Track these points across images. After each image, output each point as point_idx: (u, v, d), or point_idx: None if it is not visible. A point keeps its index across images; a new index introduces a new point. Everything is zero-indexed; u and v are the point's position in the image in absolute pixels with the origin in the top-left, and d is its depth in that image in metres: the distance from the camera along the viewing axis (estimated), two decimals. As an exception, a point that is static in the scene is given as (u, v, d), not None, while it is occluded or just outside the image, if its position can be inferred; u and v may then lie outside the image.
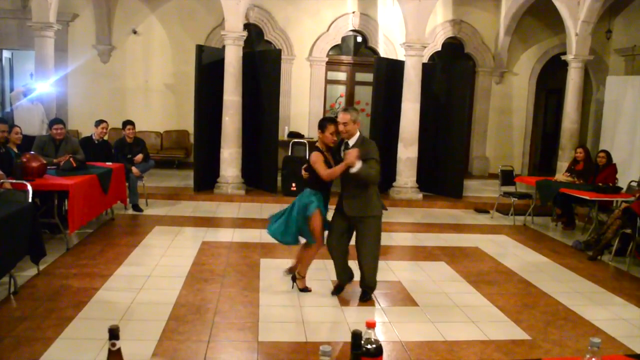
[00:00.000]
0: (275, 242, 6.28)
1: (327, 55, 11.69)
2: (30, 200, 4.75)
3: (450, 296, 4.80)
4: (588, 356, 1.70)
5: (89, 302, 4.21)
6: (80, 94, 11.23)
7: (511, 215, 8.22)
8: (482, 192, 10.05)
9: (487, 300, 4.72)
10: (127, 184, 7.38)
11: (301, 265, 4.67)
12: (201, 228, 6.88)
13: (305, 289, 4.67)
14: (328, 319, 4.21)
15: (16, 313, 3.96)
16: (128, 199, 7.50)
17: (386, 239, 6.80)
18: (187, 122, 10.92)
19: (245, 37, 8.73)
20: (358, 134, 4.29)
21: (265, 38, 11.45)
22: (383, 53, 11.51)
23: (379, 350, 1.63)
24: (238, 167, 8.89)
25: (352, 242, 4.54)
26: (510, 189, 8.45)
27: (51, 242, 5.63)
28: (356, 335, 1.55)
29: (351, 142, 4.27)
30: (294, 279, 4.71)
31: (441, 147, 9.64)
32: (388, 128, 9.33)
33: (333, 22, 11.53)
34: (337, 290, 4.65)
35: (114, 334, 1.49)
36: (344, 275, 4.63)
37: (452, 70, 9.80)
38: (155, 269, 5.15)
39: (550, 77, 12.89)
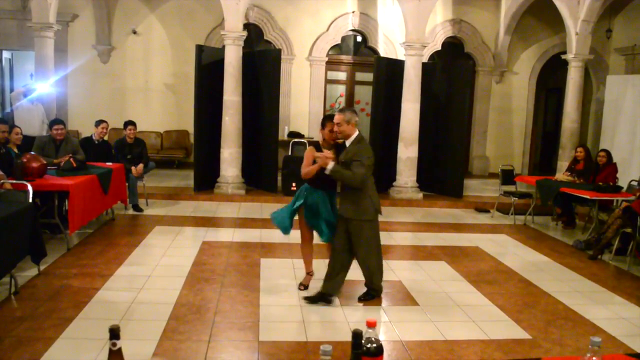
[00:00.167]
0: (276, 242, 6.33)
1: (327, 55, 11.69)
2: (30, 200, 4.75)
3: (451, 295, 4.80)
4: (588, 355, 1.70)
5: (90, 302, 4.21)
6: (80, 94, 11.23)
7: (511, 214, 8.22)
8: (482, 192, 10.05)
9: (487, 300, 4.73)
10: (127, 184, 7.38)
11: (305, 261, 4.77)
12: (201, 228, 6.88)
13: (306, 287, 4.71)
14: (328, 319, 4.21)
15: (17, 313, 3.96)
16: (128, 199, 7.50)
17: (386, 238, 6.83)
18: (187, 122, 10.92)
19: (245, 37, 8.73)
20: (356, 134, 4.23)
21: (265, 38, 11.45)
22: (383, 53, 11.51)
23: (379, 350, 1.63)
24: (238, 167, 8.89)
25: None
26: (511, 188, 8.45)
27: (51, 243, 5.63)
28: (357, 335, 1.55)
29: (348, 142, 4.26)
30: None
31: (441, 147, 9.64)
32: (388, 128, 9.33)
33: (333, 21, 11.53)
34: (313, 299, 4.39)
35: (114, 333, 1.49)
36: (328, 282, 4.41)
37: (452, 70, 9.79)
38: (156, 268, 5.15)
39: (551, 76, 12.89)
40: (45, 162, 5.72)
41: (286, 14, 11.44)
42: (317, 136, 11.19)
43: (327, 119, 4.44)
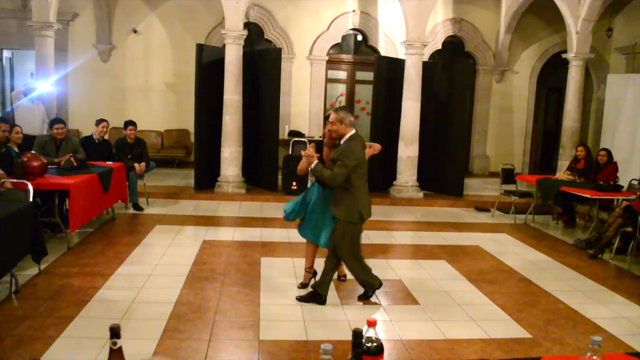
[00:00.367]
0: (276, 241, 6.34)
1: (328, 54, 11.69)
2: (31, 199, 4.76)
3: (451, 294, 4.80)
4: (589, 354, 1.70)
5: (90, 301, 4.21)
6: (81, 94, 11.23)
7: (512, 213, 8.22)
8: (482, 191, 10.05)
9: (487, 299, 4.73)
10: (127, 183, 7.38)
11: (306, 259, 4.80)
12: (202, 227, 6.88)
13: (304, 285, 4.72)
14: (329, 318, 4.21)
15: (17, 312, 3.97)
16: (128, 198, 7.50)
17: (387, 237, 6.84)
18: (187, 121, 10.92)
19: (245, 36, 8.72)
20: (349, 134, 4.19)
21: (266, 37, 11.45)
22: (383, 52, 11.51)
23: (379, 349, 1.63)
24: (238, 166, 8.89)
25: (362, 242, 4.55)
26: (511, 187, 8.45)
27: (52, 242, 5.63)
28: (357, 334, 1.55)
29: (342, 142, 4.26)
30: (314, 275, 4.77)
31: (442, 146, 9.63)
32: (388, 127, 9.33)
33: (333, 20, 11.52)
34: (304, 298, 4.45)
35: (115, 332, 1.49)
36: (319, 282, 4.48)
37: (453, 69, 9.79)
38: (156, 268, 5.15)
39: (551, 75, 12.88)
40: (45, 161, 5.72)
41: (286, 13, 11.43)
42: (317, 135, 11.26)
43: (327, 118, 4.47)
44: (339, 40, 11.72)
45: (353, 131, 4.23)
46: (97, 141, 7.41)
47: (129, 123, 7.70)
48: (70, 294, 4.34)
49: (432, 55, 11.89)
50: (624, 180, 7.59)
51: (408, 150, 9.10)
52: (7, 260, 4.08)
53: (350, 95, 12.03)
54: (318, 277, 4.58)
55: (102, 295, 4.35)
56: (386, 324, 4.09)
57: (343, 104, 11.90)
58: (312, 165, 4.19)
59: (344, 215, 4.23)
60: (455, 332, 3.97)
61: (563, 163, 9.55)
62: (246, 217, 7.62)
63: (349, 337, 1.57)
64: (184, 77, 10.86)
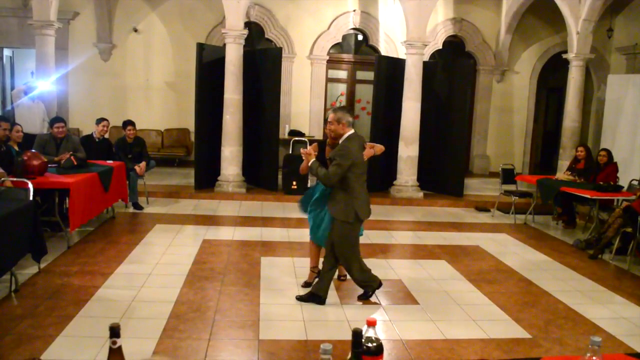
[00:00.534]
0: (276, 240, 6.34)
1: (328, 53, 11.68)
2: (31, 198, 4.76)
3: (451, 295, 4.80)
4: (588, 355, 1.70)
5: (90, 300, 4.21)
6: (81, 93, 11.23)
7: (512, 213, 8.22)
8: (482, 191, 10.04)
9: (487, 299, 4.73)
10: (127, 182, 7.38)
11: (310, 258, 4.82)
12: (202, 226, 6.88)
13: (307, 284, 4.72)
14: (328, 317, 4.21)
15: (17, 311, 3.97)
16: (128, 197, 7.50)
17: (387, 237, 6.84)
18: (187, 120, 10.92)
19: (246, 36, 8.72)
20: (347, 134, 4.18)
21: (266, 36, 11.45)
22: (384, 51, 11.51)
23: (379, 349, 1.63)
24: (239, 166, 8.89)
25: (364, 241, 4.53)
26: (511, 187, 8.45)
27: (52, 240, 5.63)
28: (357, 334, 1.55)
29: (340, 141, 4.25)
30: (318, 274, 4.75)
31: (442, 146, 9.63)
32: (389, 126, 9.32)
33: (334, 20, 11.52)
34: (304, 298, 4.47)
35: (114, 331, 1.49)
36: (318, 282, 4.50)
37: (453, 69, 9.79)
38: (156, 267, 5.15)
39: (551, 75, 12.88)
40: (45, 160, 5.72)
41: (287, 13, 11.43)
42: (318, 135, 11.26)
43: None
44: (340, 40, 11.72)
45: (351, 131, 4.22)
46: (97, 140, 7.40)
47: (128, 123, 7.70)
48: (70, 293, 4.34)
49: (433, 55, 11.89)
50: (624, 181, 7.59)
51: (408, 150, 9.10)
52: (7, 258, 4.08)
53: (351, 95, 12.02)
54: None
55: (102, 294, 4.35)
56: (386, 324, 4.09)
57: (343, 103, 11.89)
58: (310, 163, 4.22)
59: (341, 215, 4.22)
60: (455, 332, 3.97)
61: (563, 163, 9.55)
62: (246, 216, 7.62)
63: (348, 336, 1.57)
64: (185, 77, 10.86)
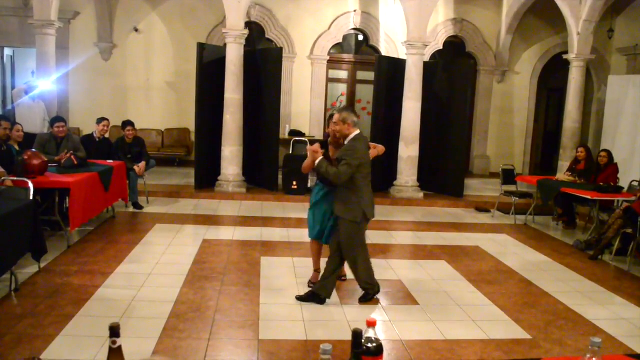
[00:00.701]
0: (276, 240, 6.34)
1: (329, 53, 11.68)
2: (31, 197, 4.76)
3: (451, 295, 4.80)
4: (588, 356, 1.70)
5: (90, 299, 4.21)
6: (82, 92, 11.23)
7: (512, 214, 8.22)
8: (483, 191, 10.04)
9: (487, 300, 4.73)
10: (127, 182, 7.38)
11: (313, 259, 4.78)
12: (202, 226, 6.88)
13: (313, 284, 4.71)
14: (328, 318, 4.21)
15: (17, 310, 3.97)
16: (129, 197, 7.50)
17: (387, 237, 6.84)
18: (188, 120, 10.92)
19: (246, 36, 8.72)
20: (354, 134, 4.20)
21: (267, 36, 11.45)
22: (384, 51, 11.51)
23: (379, 349, 1.63)
24: (239, 165, 8.89)
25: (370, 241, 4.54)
26: (512, 188, 8.45)
27: (52, 240, 5.63)
28: (357, 334, 1.55)
29: (346, 142, 4.26)
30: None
31: (442, 146, 9.63)
32: (389, 127, 9.32)
33: (334, 20, 11.52)
34: (304, 298, 4.48)
35: (114, 331, 1.49)
36: (321, 283, 4.47)
37: (454, 69, 9.79)
38: (156, 266, 5.15)
39: (552, 76, 12.87)
40: (46, 159, 5.72)
41: (288, 13, 11.43)
42: (318, 135, 11.26)
43: (331, 117, 4.47)
44: (340, 40, 11.72)
45: (357, 131, 4.25)
46: (97, 140, 7.40)
47: (127, 123, 7.70)
48: (70, 293, 4.34)
49: (433, 56, 11.88)
50: (624, 182, 7.59)
51: (408, 150, 9.10)
52: (7, 258, 4.08)
53: (351, 95, 12.02)
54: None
55: (102, 294, 4.36)
56: (386, 324, 4.09)
57: (344, 103, 11.89)
58: (317, 162, 4.18)
59: (348, 215, 4.23)
60: (455, 333, 3.97)
61: (563, 164, 9.55)
62: (246, 216, 7.62)
63: (348, 337, 1.57)
64: (185, 76, 10.86)
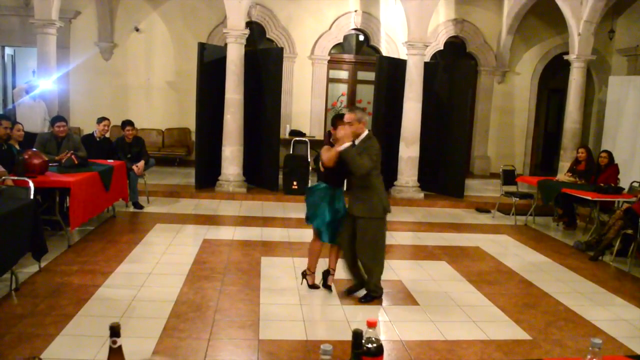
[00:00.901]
0: (276, 240, 6.34)
1: (329, 53, 11.68)
2: (31, 197, 4.76)
3: (451, 296, 4.80)
4: (589, 357, 1.70)
5: (90, 299, 4.21)
6: (82, 92, 11.23)
7: (512, 215, 8.22)
8: (483, 192, 10.04)
9: (487, 300, 4.72)
10: (127, 182, 7.38)
11: (310, 259, 4.71)
12: (202, 226, 6.88)
13: (314, 286, 4.69)
14: (329, 318, 4.21)
15: (17, 310, 3.97)
16: (129, 197, 7.50)
17: (387, 238, 6.80)
18: (188, 120, 10.91)
19: (247, 35, 8.72)
20: (365, 133, 4.33)
21: (267, 36, 11.45)
22: (385, 52, 11.50)
23: (379, 350, 1.63)
24: (239, 165, 8.89)
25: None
26: (512, 188, 8.44)
27: (52, 239, 5.63)
28: (357, 335, 1.55)
29: (357, 141, 4.29)
30: (304, 275, 4.72)
31: (443, 146, 9.62)
32: (390, 127, 9.32)
33: (335, 20, 11.52)
34: (349, 291, 4.62)
35: (115, 331, 1.49)
36: (354, 278, 4.62)
37: (454, 70, 9.79)
38: (156, 266, 5.15)
39: (553, 76, 12.87)
40: (46, 159, 5.72)
41: (288, 13, 11.43)
42: (319, 135, 11.25)
43: (340, 118, 4.41)
44: (341, 40, 11.72)
45: (367, 130, 4.33)
46: (98, 139, 7.41)
47: (127, 123, 7.70)
48: (71, 292, 4.34)
49: (434, 56, 11.88)
50: (624, 183, 7.59)
51: (409, 150, 9.10)
52: (7, 257, 4.08)
53: (352, 95, 12.02)
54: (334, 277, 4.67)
55: (102, 294, 4.36)
56: (386, 325, 4.09)
57: (344, 103, 11.90)
58: (345, 146, 4.14)
59: (368, 212, 4.31)
60: (455, 333, 3.97)
61: (564, 165, 9.54)
62: (247, 216, 7.62)
63: (348, 337, 1.57)
64: (186, 76, 10.86)
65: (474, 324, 4.17)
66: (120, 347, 1.50)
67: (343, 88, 12.08)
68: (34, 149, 5.87)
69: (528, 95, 12.59)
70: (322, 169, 4.50)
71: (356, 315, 4.21)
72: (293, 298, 4.48)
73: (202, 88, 8.73)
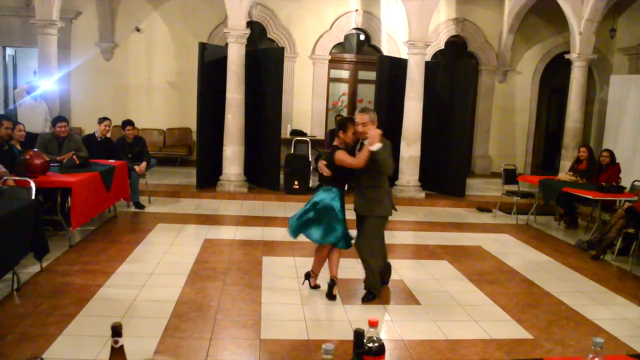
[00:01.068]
0: (278, 240, 6.34)
1: (330, 53, 11.68)
2: (33, 197, 4.76)
3: (453, 295, 4.80)
4: (591, 356, 1.70)
5: (92, 299, 4.22)
6: (83, 92, 11.24)
7: (514, 214, 8.21)
8: (484, 191, 10.03)
9: (489, 299, 4.72)
10: (129, 182, 7.38)
11: (318, 264, 4.66)
12: (204, 226, 6.88)
13: (316, 286, 4.69)
14: (330, 317, 4.21)
15: (19, 310, 3.97)
16: (130, 197, 7.50)
17: (388, 237, 6.78)
18: (189, 120, 10.91)
19: (248, 35, 8.72)
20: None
21: (268, 36, 11.45)
22: (386, 51, 11.50)
23: (381, 349, 1.63)
24: (240, 165, 8.89)
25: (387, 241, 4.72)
26: (513, 188, 8.44)
27: (54, 239, 5.63)
28: (358, 334, 1.55)
29: (367, 142, 4.26)
30: (307, 277, 4.72)
31: (444, 146, 9.62)
32: (391, 126, 9.26)
33: (336, 20, 11.51)
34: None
35: (116, 331, 1.49)
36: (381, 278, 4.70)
37: (455, 69, 9.78)
38: (158, 266, 5.16)
39: (554, 76, 12.85)
40: (48, 159, 5.73)
41: (289, 12, 11.43)
42: (320, 134, 11.25)
43: (350, 121, 4.38)
44: (342, 40, 11.72)
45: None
46: (99, 139, 7.41)
47: (127, 123, 7.71)
48: (72, 292, 4.34)
49: (435, 55, 11.88)
50: (626, 182, 7.58)
51: (410, 150, 9.10)
52: (9, 257, 4.08)
53: (353, 95, 12.02)
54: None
55: (104, 294, 4.36)
56: (387, 324, 4.09)
57: (345, 103, 11.90)
58: (378, 146, 4.11)
59: (379, 211, 4.36)
60: (457, 333, 3.97)
61: (565, 164, 9.53)
62: (248, 216, 7.62)
63: (350, 337, 1.57)
64: (187, 76, 10.87)
65: (475, 324, 4.17)
66: (122, 347, 1.50)
67: (344, 87, 12.08)
68: (35, 149, 5.89)
69: (529, 95, 12.59)
70: (326, 173, 4.40)
71: (358, 315, 4.21)
72: (294, 298, 4.48)
73: (203, 88, 8.74)
